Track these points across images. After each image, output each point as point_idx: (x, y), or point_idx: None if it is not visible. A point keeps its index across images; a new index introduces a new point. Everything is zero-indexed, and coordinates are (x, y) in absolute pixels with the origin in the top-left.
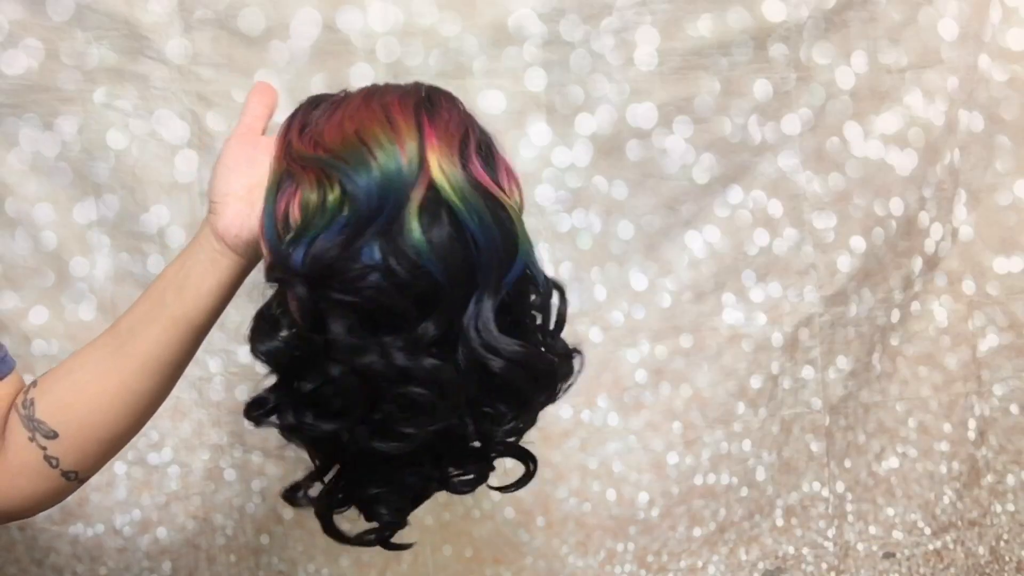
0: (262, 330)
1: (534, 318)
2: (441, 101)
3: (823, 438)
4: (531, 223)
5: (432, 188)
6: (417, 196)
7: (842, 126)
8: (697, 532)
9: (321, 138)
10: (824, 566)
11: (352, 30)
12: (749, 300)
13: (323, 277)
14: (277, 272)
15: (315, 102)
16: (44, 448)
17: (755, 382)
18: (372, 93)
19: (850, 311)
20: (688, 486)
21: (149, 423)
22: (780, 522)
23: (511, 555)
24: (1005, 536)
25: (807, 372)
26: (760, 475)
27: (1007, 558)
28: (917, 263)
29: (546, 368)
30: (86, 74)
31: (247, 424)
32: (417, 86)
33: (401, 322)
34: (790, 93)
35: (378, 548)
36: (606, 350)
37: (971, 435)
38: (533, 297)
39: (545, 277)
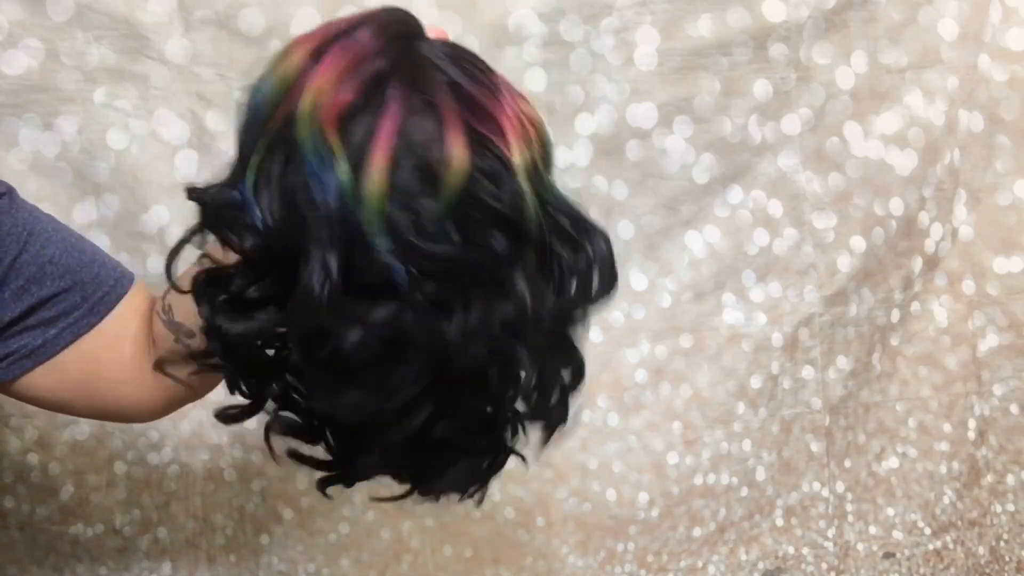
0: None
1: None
2: (363, 31)
3: (823, 438)
4: None
5: (288, 121)
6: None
7: (842, 126)
8: (697, 532)
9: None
10: (824, 566)
11: None
12: (749, 300)
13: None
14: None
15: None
16: (188, 347)
17: (755, 382)
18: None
19: (850, 311)
20: (688, 486)
21: (149, 423)
22: (780, 522)
23: (511, 555)
24: (1005, 536)
25: (807, 372)
26: (760, 475)
27: (1007, 558)
28: (917, 263)
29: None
30: (86, 74)
31: (247, 424)
32: (371, 14)
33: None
34: (790, 93)
35: (379, 549)
36: (606, 350)
37: (971, 435)
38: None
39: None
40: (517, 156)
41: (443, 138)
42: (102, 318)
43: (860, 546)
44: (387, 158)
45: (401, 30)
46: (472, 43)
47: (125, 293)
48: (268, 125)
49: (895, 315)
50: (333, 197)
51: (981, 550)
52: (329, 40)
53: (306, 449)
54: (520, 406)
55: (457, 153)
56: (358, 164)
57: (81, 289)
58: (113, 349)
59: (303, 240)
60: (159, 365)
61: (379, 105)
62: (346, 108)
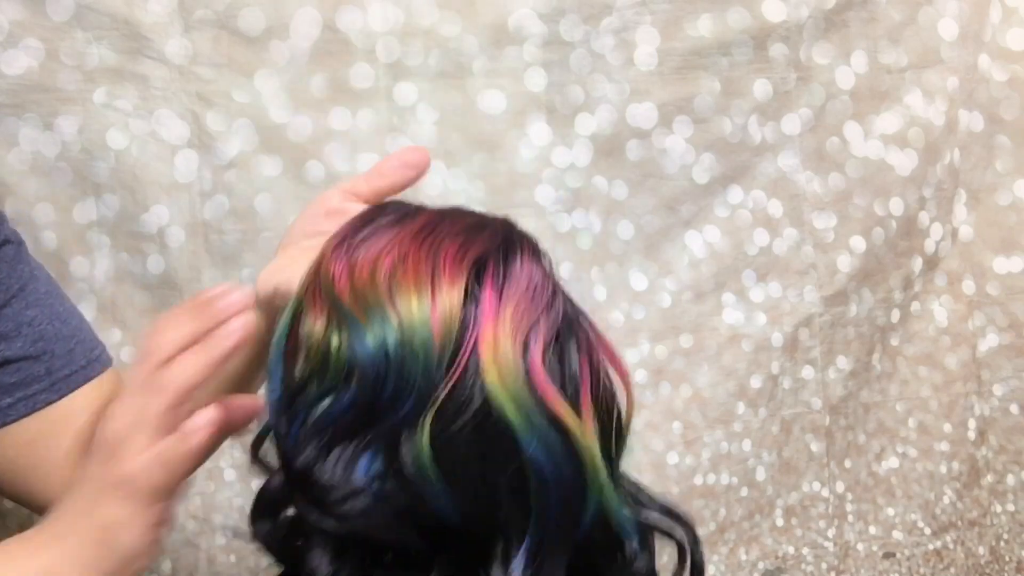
0: (259, 507)
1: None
2: (519, 258)
3: (823, 438)
4: (531, 223)
5: (470, 382)
6: (446, 389)
7: (842, 126)
8: (697, 532)
9: (352, 267)
10: (824, 566)
11: (352, 30)
12: (749, 300)
13: (302, 483)
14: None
15: (379, 211)
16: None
17: (755, 382)
18: (434, 222)
19: (850, 311)
20: (688, 486)
21: None
22: (780, 522)
23: None
24: (1005, 536)
25: (807, 372)
26: (760, 475)
27: (1007, 558)
28: (917, 263)
29: None
30: (86, 74)
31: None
32: (496, 227)
33: (408, 560)
34: (790, 93)
35: None
36: None
37: (971, 435)
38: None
39: (636, 521)
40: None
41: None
42: (60, 397)
43: (860, 546)
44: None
45: (538, 249)
46: (472, 43)
47: (93, 376)
48: (424, 383)
49: (895, 315)
50: (570, 474)
51: (981, 550)
52: (485, 263)
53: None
54: None
55: (629, 411)
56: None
57: (48, 360)
58: (55, 437)
59: (513, 519)
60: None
61: (570, 362)
62: (553, 375)
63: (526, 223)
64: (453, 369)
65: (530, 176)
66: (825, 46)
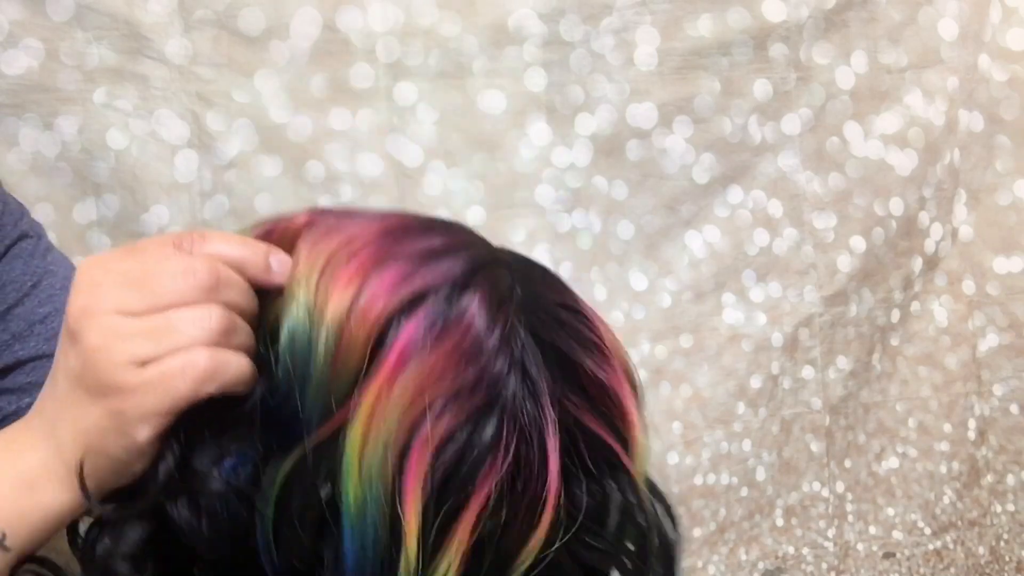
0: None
1: None
2: (473, 303)
3: (823, 438)
4: (531, 223)
5: (339, 446)
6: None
7: (842, 126)
8: (697, 532)
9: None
10: (824, 566)
11: (352, 30)
12: (749, 300)
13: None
14: None
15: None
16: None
17: (755, 382)
18: (408, 227)
19: (850, 311)
20: (688, 486)
21: None
22: (780, 522)
23: None
24: (1005, 536)
25: (807, 372)
26: (760, 475)
27: (1007, 558)
28: (917, 263)
29: None
30: (86, 74)
31: None
32: (472, 258)
33: None
34: (790, 93)
35: None
36: None
37: (971, 435)
38: None
39: None
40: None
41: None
42: None
43: (860, 546)
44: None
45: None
46: (472, 43)
47: None
48: (316, 422)
49: (895, 315)
50: None
51: (981, 550)
52: (423, 298)
53: None
54: None
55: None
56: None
57: None
58: None
59: None
60: None
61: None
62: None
63: (526, 223)
64: (329, 421)
65: (530, 176)
66: (825, 46)
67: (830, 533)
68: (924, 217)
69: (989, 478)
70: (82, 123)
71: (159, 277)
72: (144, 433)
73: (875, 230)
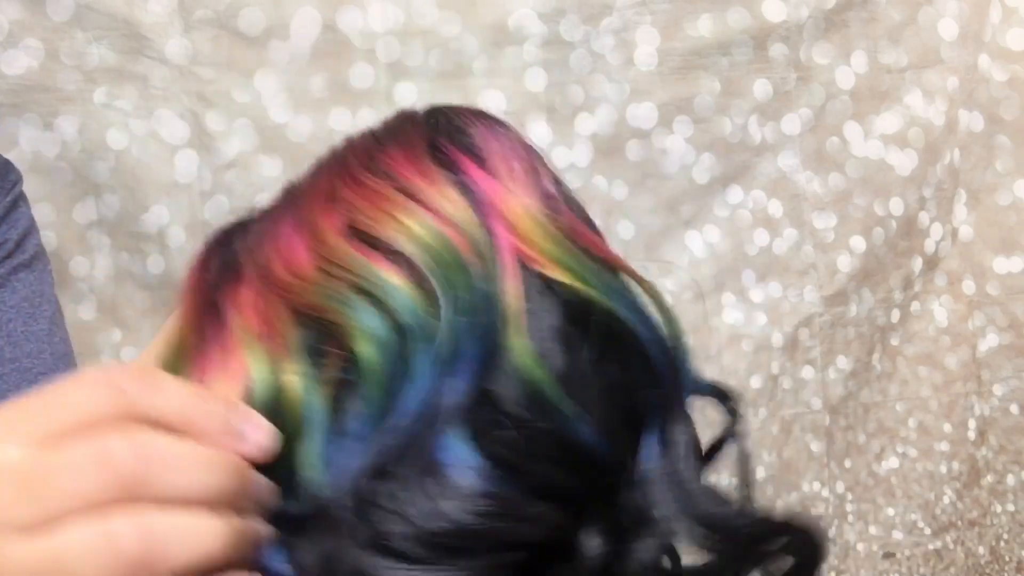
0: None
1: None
2: (462, 119)
3: (823, 438)
4: None
5: (527, 278)
6: (511, 301)
7: (842, 126)
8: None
9: (271, 268)
10: (824, 566)
11: (352, 30)
12: (749, 300)
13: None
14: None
15: (236, 228)
16: None
17: (755, 382)
18: (334, 162)
19: (850, 311)
20: None
21: None
22: None
23: None
24: (1005, 536)
25: (807, 372)
26: (760, 475)
27: (1007, 558)
28: (917, 263)
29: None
30: (86, 74)
31: None
32: (404, 117)
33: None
34: (790, 93)
35: None
36: None
37: (971, 435)
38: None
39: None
40: None
41: None
42: None
43: (860, 546)
44: None
45: None
46: (472, 43)
47: None
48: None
49: (895, 315)
50: (662, 329)
51: (981, 550)
52: (437, 146)
53: None
54: None
55: None
56: None
57: None
58: None
59: None
60: None
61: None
62: None
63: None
64: (499, 263)
65: None
66: (825, 46)
67: (830, 533)
68: (924, 217)
69: (989, 478)
70: (82, 123)
71: (56, 472)
72: None
73: (875, 230)
